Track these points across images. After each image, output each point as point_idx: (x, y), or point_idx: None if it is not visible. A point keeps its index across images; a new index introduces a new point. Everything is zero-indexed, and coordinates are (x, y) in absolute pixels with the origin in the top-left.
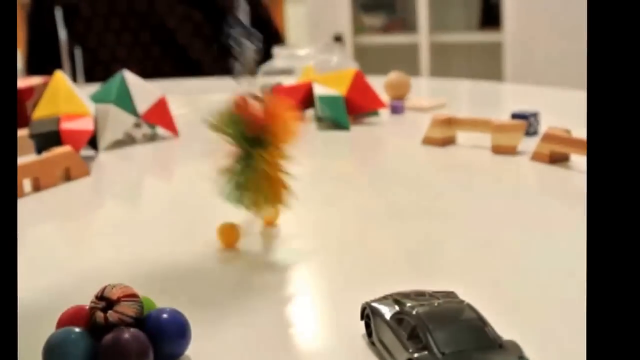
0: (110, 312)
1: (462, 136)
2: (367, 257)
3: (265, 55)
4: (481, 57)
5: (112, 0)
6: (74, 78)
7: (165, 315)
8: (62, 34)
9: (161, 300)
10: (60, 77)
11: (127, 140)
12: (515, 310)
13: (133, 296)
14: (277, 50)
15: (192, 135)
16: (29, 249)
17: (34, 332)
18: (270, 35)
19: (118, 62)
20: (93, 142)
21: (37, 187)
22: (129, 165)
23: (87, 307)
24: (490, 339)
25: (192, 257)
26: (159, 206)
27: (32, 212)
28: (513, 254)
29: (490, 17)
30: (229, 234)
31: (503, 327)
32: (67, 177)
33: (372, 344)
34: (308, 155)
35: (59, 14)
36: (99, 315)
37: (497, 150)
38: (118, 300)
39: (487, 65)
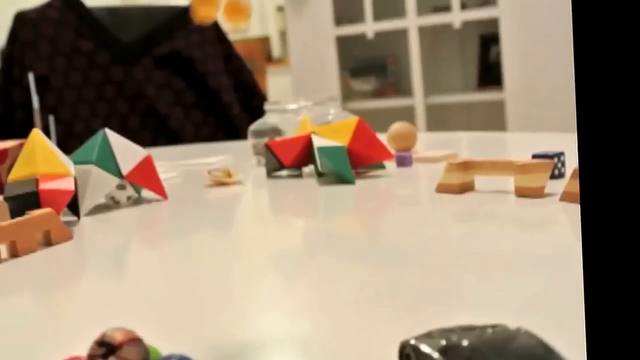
0: (112, 358)
1: (480, 181)
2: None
3: (253, 118)
4: (481, 114)
5: (86, 70)
6: None
7: None
8: (35, 101)
9: None
10: (38, 136)
11: (111, 204)
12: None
13: (137, 340)
14: (267, 106)
15: (181, 198)
16: (4, 320)
17: None
18: (255, 97)
19: (93, 134)
20: (73, 207)
21: (14, 253)
22: (113, 231)
23: (86, 356)
24: None
25: (180, 328)
26: (146, 276)
27: (8, 280)
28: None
29: (490, 76)
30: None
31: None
32: (47, 241)
33: None
34: (308, 216)
35: (31, 79)
36: None
37: (522, 192)
38: (121, 345)
39: (488, 122)
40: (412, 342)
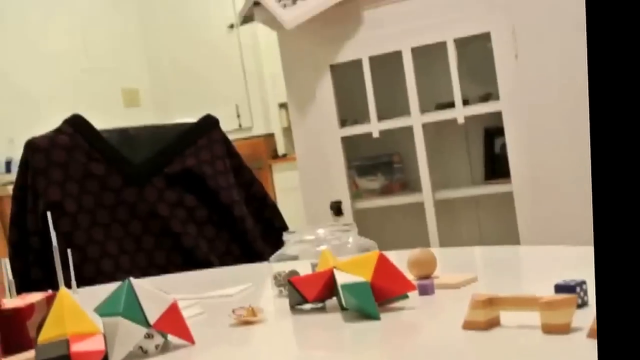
0: None
1: (505, 316)
2: None
3: (265, 229)
4: (491, 207)
5: (99, 193)
6: (68, 284)
7: None
8: (54, 238)
9: None
10: (65, 294)
11: (139, 354)
12: None
13: None
14: (286, 235)
15: (207, 341)
16: None
17: None
18: (266, 209)
19: (108, 257)
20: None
21: None
22: None
23: None
24: None
25: None
26: None
27: None
28: None
29: (497, 168)
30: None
31: None
32: None
33: None
34: (335, 353)
35: (48, 214)
36: None
37: (548, 329)
38: None
39: (498, 215)
40: None
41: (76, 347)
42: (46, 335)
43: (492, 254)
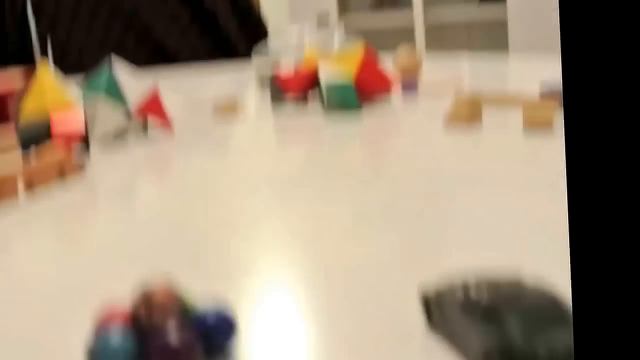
0: (154, 312)
1: (489, 113)
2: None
3: (250, 41)
4: (483, 33)
5: None
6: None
7: (213, 317)
8: (32, 23)
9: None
10: (46, 70)
11: (119, 137)
12: None
13: (176, 295)
14: (270, 31)
15: (188, 131)
16: (21, 253)
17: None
18: (252, 20)
19: (88, 56)
20: (84, 142)
21: (30, 187)
22: (122, 164)
23: (127, 308)
24: (567, 316)
25: (197, 249)
26: (156, 206)
27: (26, 214)
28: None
29: None
30: None
31: None
32: (61, 173)
33: (433, 331)
34: (313, 146)
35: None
36: (143, 318)
37: (530, 124)
38: (162, 303)
39: (489, 42)
40: (436, 287)
41: (57, 124)
42: (27, 110)
43: (484, 62)
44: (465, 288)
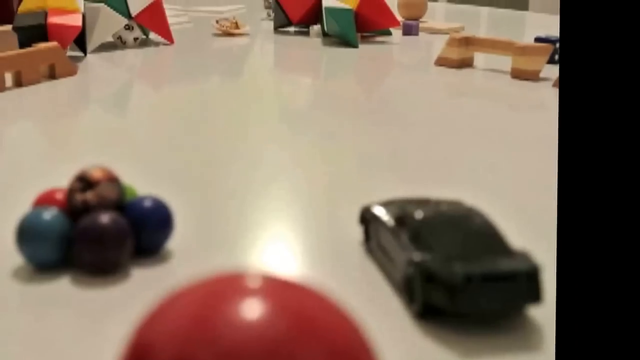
0: (89, 193)
1: (479, 58)
2: (362, 169)
3: None
4: None
5: None
6: None
7: (148, 203)
8: None
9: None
10: None
11: (118, 44)
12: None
13: (114, 180)
14: None
15: (187, 44)
16: (8, 144)
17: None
18: None
19: None
20: (81, 43)
21: (19, 82)
22: (117, 69)
23: (66, 189)
24: (500, 246)
25: (176, 162)
26: (145, 113)
27: (13, 107)
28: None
29: None
30: None
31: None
32: (52, 74)
33: (370, 250)
34: (310, 74)
35: None
36: (78, 196)
37: (518, 74)
38: (98, 182)
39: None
40: (373, 209)
41: (54, 20)
42: (26, 6)
43: (495, 14)
44: (405, 205)
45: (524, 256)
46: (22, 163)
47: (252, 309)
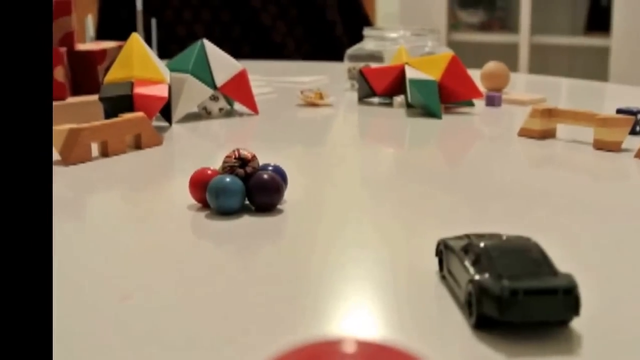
0: (247, 167)
1: (562, 129)
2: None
3: (354, 40)
4: (585, 60)
5: None
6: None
7: (275, 167)
8: (139, 3)
9: None
10: (136, 40)
11: (203, 114)
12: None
13: (255, 157)
14: (366, 31)
15: (272, 115)
16: (92, 215)
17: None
18: (359, 19)
19: (195, 39)
20: (166, 113)
21: (105, 152)
22: (203, 140)
23: (219, 168)
24: (546, 267)
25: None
26: None
27: (98, 178)
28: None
29: (598, 20)
30: None
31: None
32: (138, 144)
33: (443, 277)
34: (394, 144)
35: None
36: (239, 171)
37: (600, 145)
38: (252, 158)
39: (591, 69)
40: (446, 241)
41: (140, 90)
42: (112, 76)
43: (573, 85)
44: (473, 238)
45: (566, 276)
46: (105, 231)
47: None
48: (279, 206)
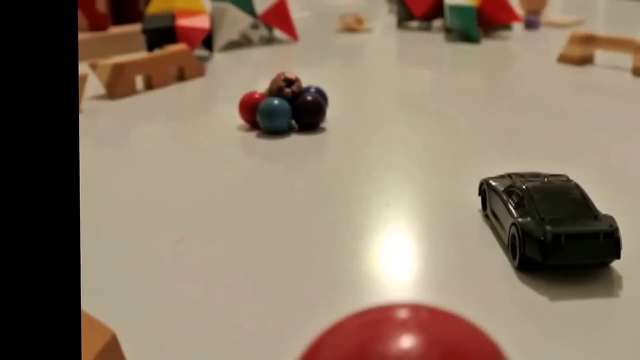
0: (293, 87)
1: (600, 55)
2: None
3: None
4: None
5: None
6: None
7: (318, 89)
8: None
9: None
10: None
11: (243, 42)
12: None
13: (298, 78)
14: None
15: (311, 40)
16: (138, 144)
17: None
18: None
19: None
20: (207, 43)
21: (149, 85)
22: (244, 68)
23: (265, 91)
24: (587, 211)
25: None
26: None
27: (143, 110)
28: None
29: None
30: None
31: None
32: (181, 76)
33: (486, 216)
34: (433, 67)
35: None
36: (287, 90)
37: (639, 72)
38: (296, 80)
39: None
40: (489, 181)
41: (182, 22)
42: (154, 7)
43: (613, 5)
44: (515, 178)
45: (607, 219)
46: (154, 163)
47: (406, 342)
48: (321, 125)
